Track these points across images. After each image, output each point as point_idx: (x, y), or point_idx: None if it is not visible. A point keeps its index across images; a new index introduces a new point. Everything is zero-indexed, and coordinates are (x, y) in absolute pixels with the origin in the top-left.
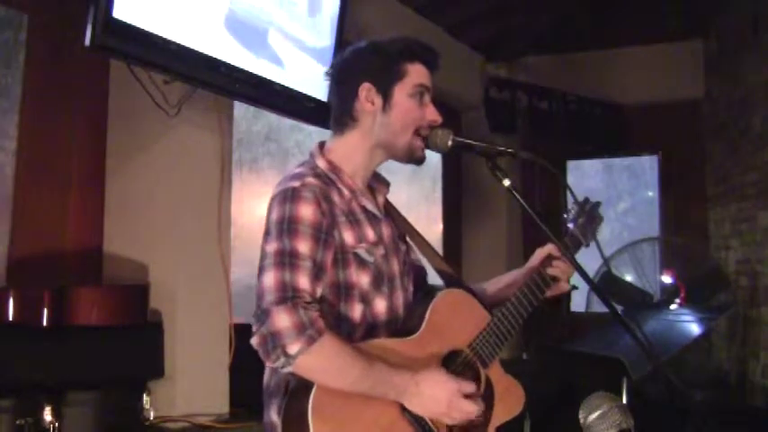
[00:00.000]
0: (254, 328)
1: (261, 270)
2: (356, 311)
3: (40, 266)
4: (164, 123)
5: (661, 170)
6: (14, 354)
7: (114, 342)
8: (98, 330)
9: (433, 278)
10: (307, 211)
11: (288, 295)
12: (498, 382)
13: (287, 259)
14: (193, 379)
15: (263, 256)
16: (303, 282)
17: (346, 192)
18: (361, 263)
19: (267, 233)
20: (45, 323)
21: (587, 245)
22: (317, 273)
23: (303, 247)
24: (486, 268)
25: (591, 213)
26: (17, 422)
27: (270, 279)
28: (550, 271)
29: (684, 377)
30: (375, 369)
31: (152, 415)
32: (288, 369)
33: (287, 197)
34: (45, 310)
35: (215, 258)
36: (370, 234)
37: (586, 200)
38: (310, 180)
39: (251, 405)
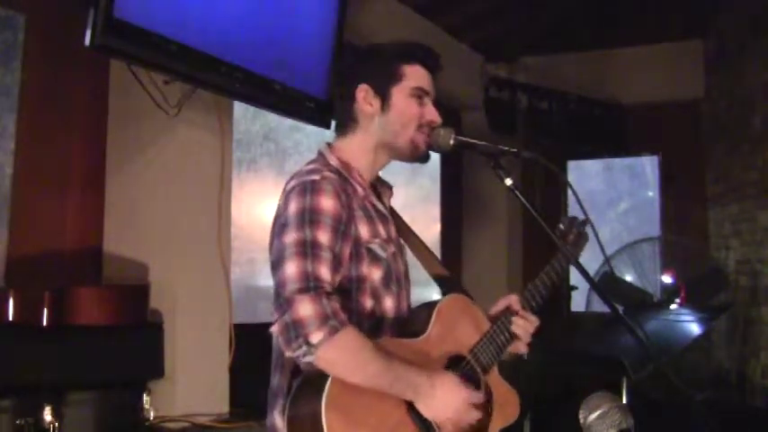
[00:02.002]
0: (275, 316)
1: (280, 261)
2: (366, 306)
3: (39, 266)
4: (164, 123)
5: (661, 170)
6: (14, 354)
7: (114, 342)
8: (98, 330)
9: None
10: (327, 203)
11: (310, 285)
12: (496, 389)
13: (308, 249)
14: (193, 379)
15: (282, 246)
16: (324, 272)
17: (359, 188)
18: (374, 258)
19: (285, 225)
20: (45, 323)
21: (576, 261)
22: (336, 265)
23: (324, 237)
24: (485, 269)
25: (579, 231)
26: (17, 422)
27: (291, 268)
28: (512, 327)
29: (684, 377)
30: (394, 366)
31: (152, 415)
32: (309, 359)
33: (306, 189)
34: (45, 310)
35: (215, 258)
36: (383, 231)
37: (575, 218)
38: (328, 174)
39: (251, 405)
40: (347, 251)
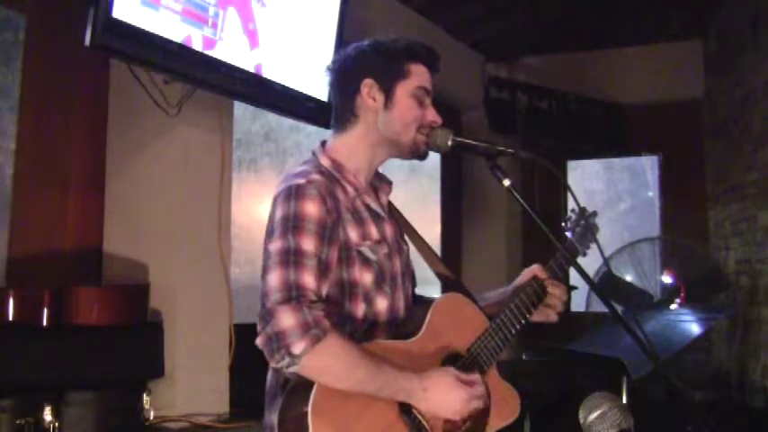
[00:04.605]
0: (258, 328)
1: (265, 269)
2: (359, 310)
3: (40, 266)
4: (164, 123)
5: (661, 170)
6: (14, 354)
7: (114, 342)
8: (98, 330)
9: (424, 283)
10: (312, 209)
11: (292, 294)
12: (495, 389)
13: (291, 258)
14: (193, 379)
15: (267, 255)
16: (308, 280)
17: (350, 189)
18: (365, 261)
19: (271, 231)
20: (45, 323)
21: (584, 254)
22: (323, 271)
23: (308, 244)
24: (485, 270)
25: (588, 223)
26: (17, 422)
27: (274, 278)
28: (549, 291)
29: (684, 377)
30: (382, 370)
31: (152, 415)
32: (293, 369)
33: (291, 194)
34: (45, 310)
35: (215, 258)
36: (374, 232)
37: (584, 209)
38: (315, 177)
39: (251, 405)
40: (335, 255)
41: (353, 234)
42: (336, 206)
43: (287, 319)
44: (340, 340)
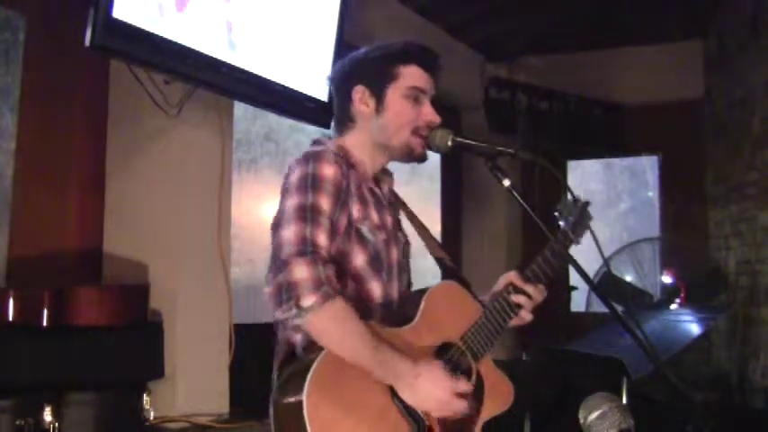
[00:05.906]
0: (269, 278)
1: (279, 224)
2: (347, 287)
3: (40, 266)
4: (164, 123)
5: (661, 170)
6: (14, 354)
7: (114, 342)
8: (98, 330)
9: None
10: (329, 171)
11: (308, 249)
12: (488, 377)
13: (309, 214)
14: (193, 379)
15: (282, 212)
16: (322, 239)
17: (360, 170)
18: (362, 239)
19: (286, 191)
20: (45, 323)
21: (578, 242)
22: (333, 233)
23: (325, 203)
24: (485, 269)
25: (581, 212)
26: (17, 422)
27: (290, 232)
28: (514, 298)
29: (684, 377)
30: (381, 348)
31: (152, 415)
32: (298, 321)
33: (309, 159)
34: (45, 310)
35: (215, 258)
36: (375, 216)
37: (576, 199)
38: (332, 148)
39: (251, 405)
40: (343, 221)
41: (356, 211)
42: (348, 177)
43: (301, 271)
44: (347, 305)
